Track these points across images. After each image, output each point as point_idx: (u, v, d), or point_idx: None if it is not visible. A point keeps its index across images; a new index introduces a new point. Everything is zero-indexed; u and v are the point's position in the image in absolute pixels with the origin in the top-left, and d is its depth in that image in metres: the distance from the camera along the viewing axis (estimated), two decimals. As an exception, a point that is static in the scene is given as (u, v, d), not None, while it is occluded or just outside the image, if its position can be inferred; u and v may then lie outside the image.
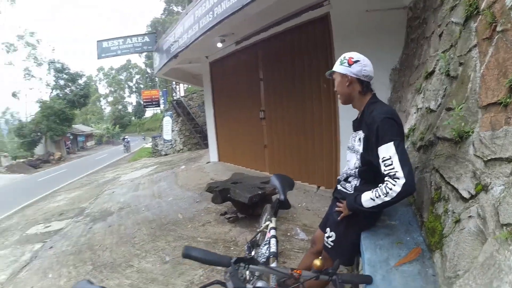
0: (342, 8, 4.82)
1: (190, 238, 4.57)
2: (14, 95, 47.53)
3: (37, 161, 32.68)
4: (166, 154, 17.78)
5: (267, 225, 2.28)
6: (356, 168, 1.94)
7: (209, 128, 10.21)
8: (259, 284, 1.47)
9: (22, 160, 33.86)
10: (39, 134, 38.79)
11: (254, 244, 2.27)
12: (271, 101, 6.98)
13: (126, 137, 37.04)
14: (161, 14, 54.18)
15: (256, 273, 1.61)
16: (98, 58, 15.13)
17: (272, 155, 7.11)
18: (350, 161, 2.02)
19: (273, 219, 2.29)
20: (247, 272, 1.55)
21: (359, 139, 1.89)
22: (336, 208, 2.02)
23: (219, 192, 4.69)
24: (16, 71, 62.41)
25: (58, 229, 6.97)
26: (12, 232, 7.83)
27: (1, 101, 55.56)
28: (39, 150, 39.71)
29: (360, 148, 1.88)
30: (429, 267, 1.52)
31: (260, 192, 4.30)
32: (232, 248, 3.86)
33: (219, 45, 7.82)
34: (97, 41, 14.72)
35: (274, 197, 4.52)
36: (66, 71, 43.30)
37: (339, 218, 1.97)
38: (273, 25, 6.40)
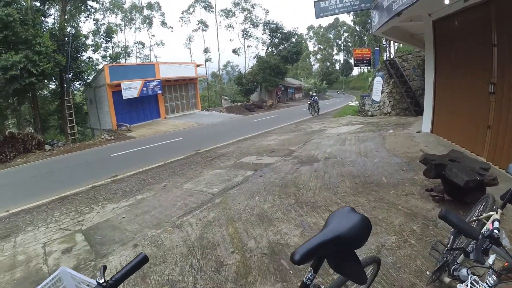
0: None
1: (391, 203, 4.54)
2: (234, 51, 55.36)
3: (251, 106, 38.15)
4: (372, 115, 17.49)
5: (489, 216, 2.18)
6: None
7: (426, 95, 9.41)
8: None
9: (239, 103, 40.24)
10: (255, 84, 45.01)
11: None
12: (505, 73, 5.62)
13: (313, 94, 27.02)
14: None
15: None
16: (316, 18, 15.75)
17: (495, 138, 5.87)
18: None
19: (499, 211, 2.16)
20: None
21: None
22: None
23: (435, 166, 4.32)
24: (235, 32, 72.27)
25: (268, 163, 7.96)
26: (228, 158, 9.38)
27: (224, 56, 66.46)
28: (254, 97, 46.41)
29: None
30: None
31: (478, 178, 3.77)
32: (430, 228, 3.67)
33: (446, 1, 6.85)
34: (315, 1, 15.21)
35: (489, 189, 3.91)
36: (280, 30, 46.81)
37: None
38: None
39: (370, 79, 22.93)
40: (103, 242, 4.39)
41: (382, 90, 17.22)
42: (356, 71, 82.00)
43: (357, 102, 26.13)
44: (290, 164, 7.59)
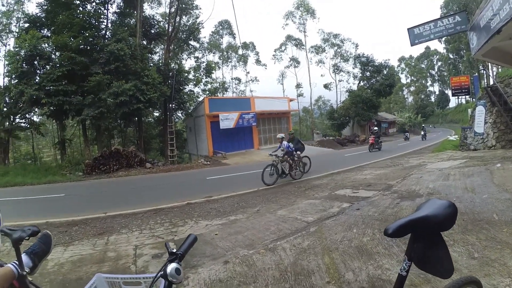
0: None
1: (504, 243, 4.10)
2: (325, 86, 56.91)
3: (344, 140, 38.10)
4: (475, 149, 16.11)
5: None
6: None
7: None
8: None
9: (331, 138, 40.40)
10: (347, 118, 44.54)
11: None
12: None
13: (289, 133, 15.18)
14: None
15: None
16: (411, 45, 15.21)
17: None
18: None
19: None
20: None
21: None
22: None
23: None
24: (326, 67, 73.49)
25: (365, 196, 7.72)
26: (322, 189, 9.34)
27: (315, 91, 67.72)
28: (346, 131, 46.12)
29: None
30: None
31: None
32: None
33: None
34: (408, 29, 14.69)
35: None
36: (371, 63, 46.60)
37: None
38: None
39: (469, 110, 21.28)
40: (193, 254, 4.59)
41: (485, 120, 15.84)
42: (453, 102, 77.16)
43: (456, 136, 24.41)
44: (389, 198, 7.28)
